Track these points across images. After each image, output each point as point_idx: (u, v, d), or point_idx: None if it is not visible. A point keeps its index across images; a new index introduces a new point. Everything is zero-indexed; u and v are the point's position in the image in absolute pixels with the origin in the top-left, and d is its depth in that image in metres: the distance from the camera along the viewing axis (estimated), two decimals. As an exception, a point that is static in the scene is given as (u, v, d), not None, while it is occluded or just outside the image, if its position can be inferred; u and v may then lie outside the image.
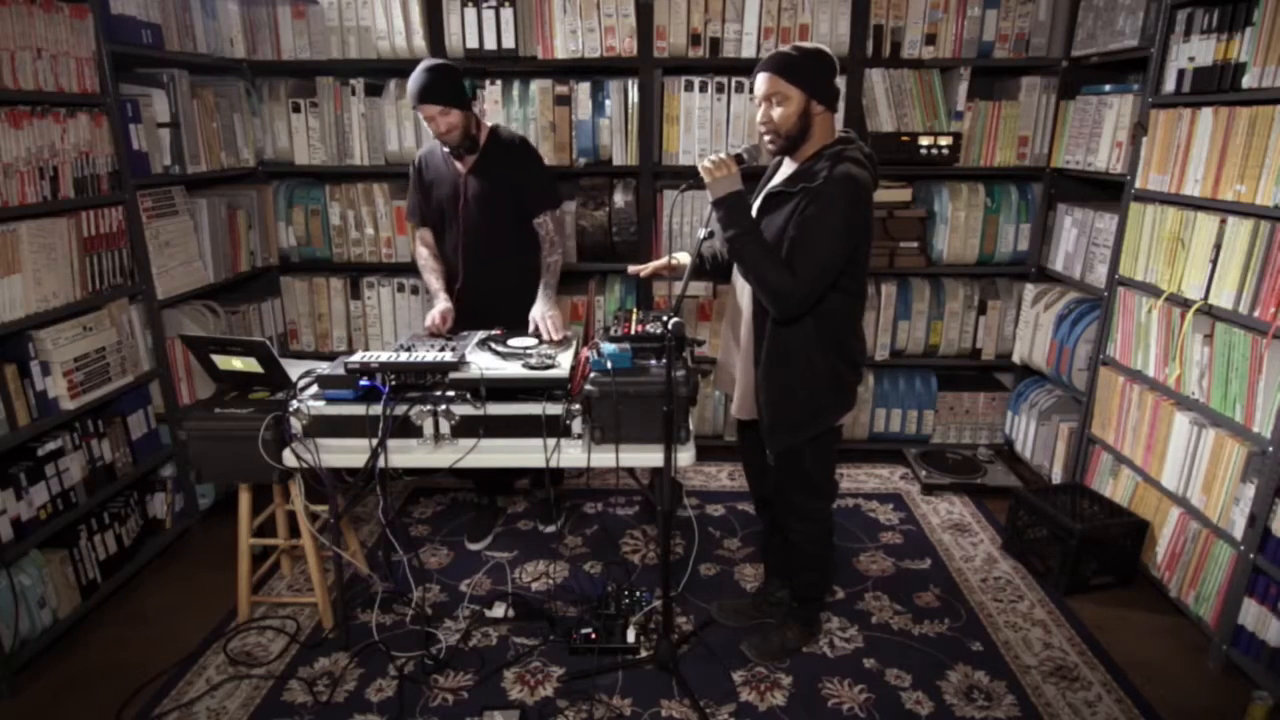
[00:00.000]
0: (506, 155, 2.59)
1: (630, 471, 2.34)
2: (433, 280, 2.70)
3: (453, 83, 2.42)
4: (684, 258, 2.26)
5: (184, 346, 2.81)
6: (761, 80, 1.91)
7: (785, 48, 1.91)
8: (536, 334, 2.45)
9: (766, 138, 1.96)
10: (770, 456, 2.10)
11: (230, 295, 3.32)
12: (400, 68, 3.23)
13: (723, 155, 1.93)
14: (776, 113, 1.90)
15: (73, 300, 2.41)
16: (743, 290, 2.10)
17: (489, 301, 2.62)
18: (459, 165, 2.58)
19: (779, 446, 2.07)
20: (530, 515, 3.11)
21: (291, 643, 2.38)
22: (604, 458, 2.04)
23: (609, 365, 2.02)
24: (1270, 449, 2.07)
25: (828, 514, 2.22)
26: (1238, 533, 2.19)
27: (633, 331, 2.16)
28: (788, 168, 2.03)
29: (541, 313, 2.49)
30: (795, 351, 1.98)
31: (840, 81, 1.93)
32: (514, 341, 2.33)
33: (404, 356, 2.08)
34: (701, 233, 2.03)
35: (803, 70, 1.86)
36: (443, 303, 2.59)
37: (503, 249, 2.63)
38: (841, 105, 3.12)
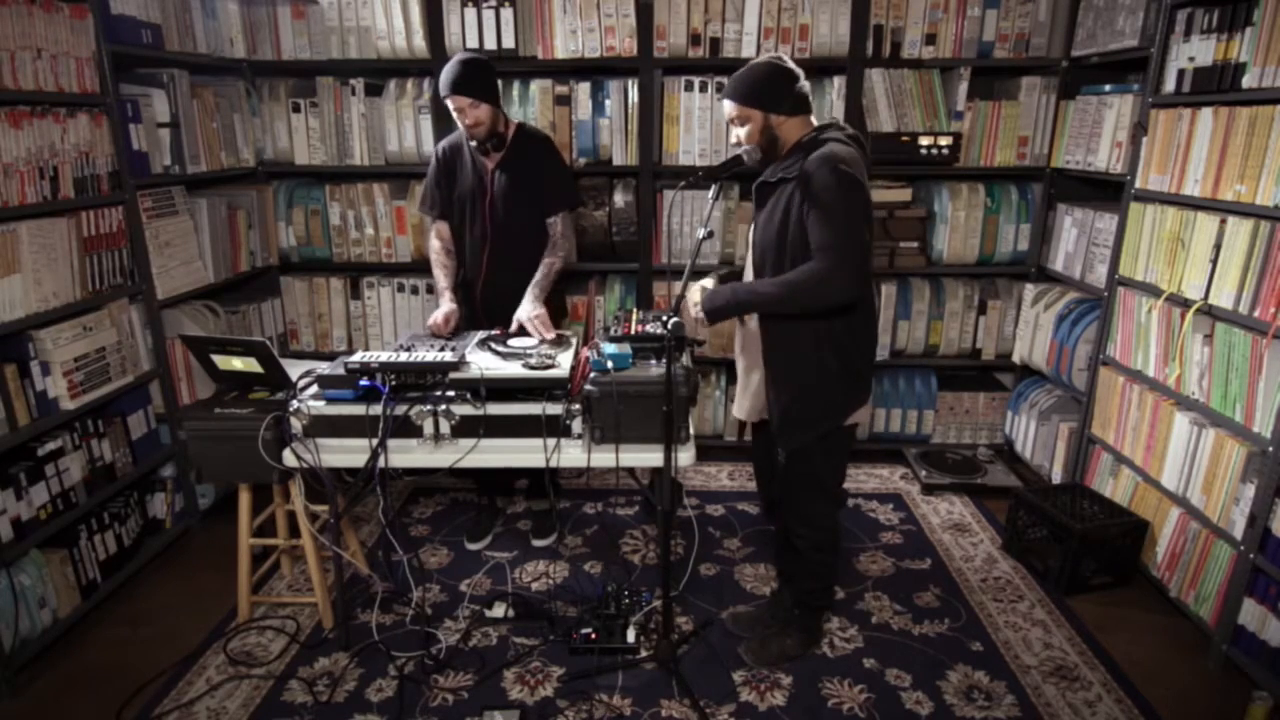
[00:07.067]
0: (531, 152, 2.59)
1: (630, 471, 2.35)
2: (441, 277, 2.68)
3: (485, 77, 2.43)
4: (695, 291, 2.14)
5: (184, 346, 2.81)
6: (724, 106, 2.01)
7: (740, 70, 1.97)
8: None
9: (744, 152, 2.04)
10: (781, 454, 2.09)
11: (230, 295, 3.32)
12: (400, 68, 3.24)
13: (691, 305, 2.06)
14: (742, 132, 2.00)
15: (73, 300, 2.41)
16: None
17: (512, 299, 2.61)
18: (485, 161, 2.58)
19: (792, 444, 2.06)
20: (530, 515, 3.10)
21: (291, 643, 2.38)
22: (604, 458, 2.04)
23: (609, 365, 2.02)
24: (1270, 449, 2.07)
25: (834, 520, 2.22)
26: (1238, 533, 2.19)
27: (633, 331, 2.16)
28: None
29: (528, 314, 2.43)
30: (805, 347, 1.99)
31: (804, 83, 1.97)
32: (514, 341, 2.33)
33: (404, 356, 2.09)
34: (701, 233, 2.03)
35: (754, 91, 1.94)
36: (447, 304, 2.58)
37: (527, 246, 2.62)
38: (841, 105, 3.12)
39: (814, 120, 2.01)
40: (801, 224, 1.90)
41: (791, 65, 1.95)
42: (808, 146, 1.94)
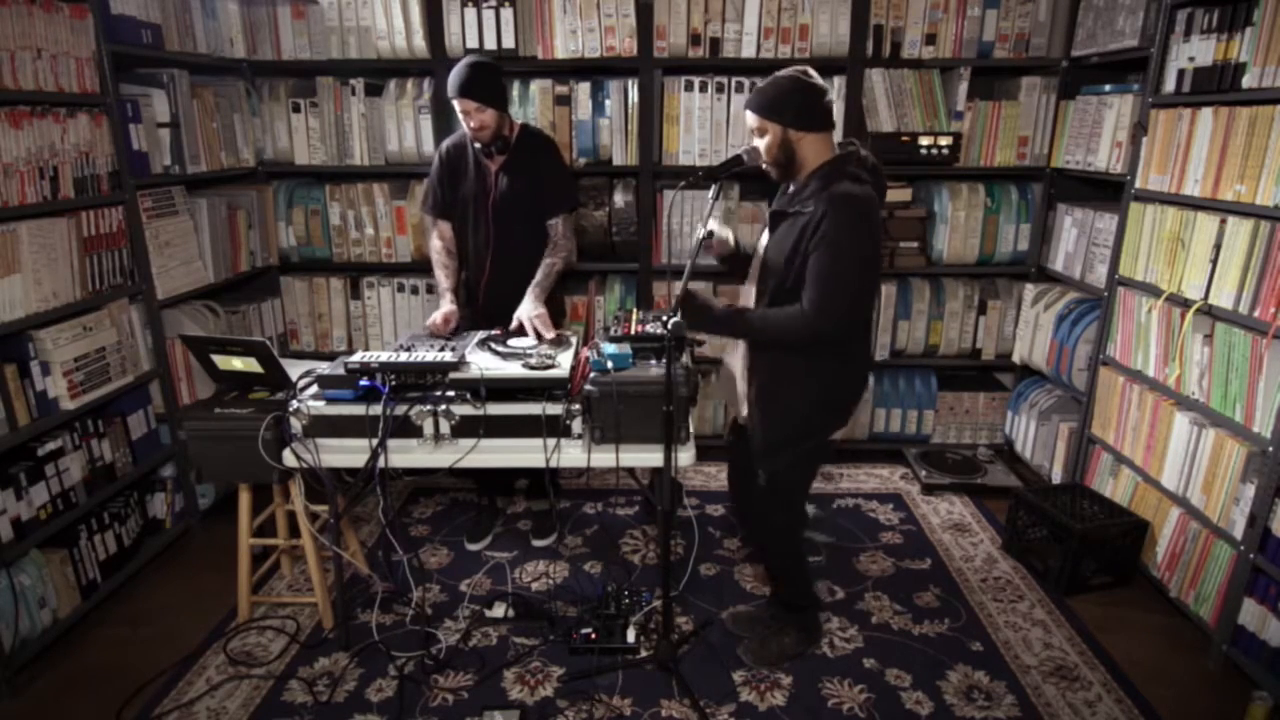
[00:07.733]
0: (534, 153, 2.59)
1: (630, 471, 2.35)
2: (442, 278, 2.67)
3: (494, 82, 2.44)
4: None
5: (184, 346, 2.81)
6: (746, 116, 2.00)
7: (764, 81, 1.96)
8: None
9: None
10: (762, 476, 2.11)
11: (230, 295, 3.32)
12: (400, 68, 3.24)
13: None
14: (761, 144, 1.98)
15: (73, 300, 2.41)
16: (745, 300, 2.12)
17: (515, 301, 2.61)
18: (489, 162, 2.58)
19: (774, 465, 2.09)
20: (530, 515, 3.10)
21: (291, 643, 2.38)
22: (604, 458, 2.04)
23: (609, 365, 2.02)
24: (1270, 449, 2.07)
25: (795, 529, 2.26)
26: (1238, 533, 2.19)
27: (633, 331, 2.16)
28: (790, 187, 2.05)
29: (528, 314, 2.43)
30: (791, 372, 2.00)
31: (830, 98, 1.95)
32: (514, 341, 2.33)
33: (404, 356, 2.09)
34: (701, 232, 2.03)
35: (775, 104, 1.92)
36: (447, 305, 2.57)
37: (531, 248, 2.62)
38: (841, 105, 3.12)
39: (835, 140, 2.00)
40: (806, 260, 1.90)
41: (816, 80, 1.92)
42: (825, 177, 1.91)
